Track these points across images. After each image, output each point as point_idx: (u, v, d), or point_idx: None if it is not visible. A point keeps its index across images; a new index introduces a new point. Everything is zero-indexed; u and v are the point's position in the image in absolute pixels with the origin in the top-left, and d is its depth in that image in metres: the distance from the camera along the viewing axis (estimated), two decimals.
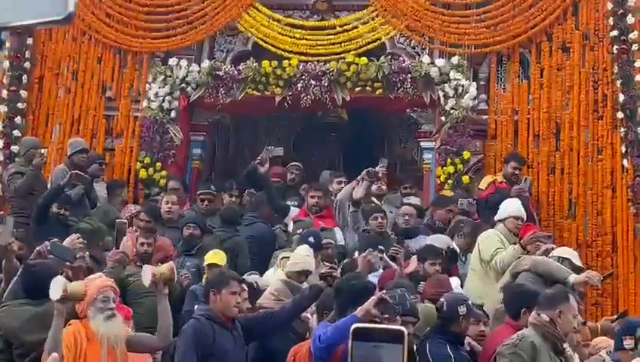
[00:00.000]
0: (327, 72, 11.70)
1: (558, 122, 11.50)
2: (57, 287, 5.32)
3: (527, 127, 11.61)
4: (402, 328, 3.15)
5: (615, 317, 8.77)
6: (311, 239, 8.39)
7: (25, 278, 6.28)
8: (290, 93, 11.75)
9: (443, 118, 11.50)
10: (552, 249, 8.30)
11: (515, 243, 8.45)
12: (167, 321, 5.89)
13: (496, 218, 8.94)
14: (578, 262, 7.93)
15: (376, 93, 11.70)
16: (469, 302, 6.60)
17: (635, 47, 11.20)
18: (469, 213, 10.19)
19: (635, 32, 11.24)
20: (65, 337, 5.38)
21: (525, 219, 9.01)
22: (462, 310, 6.33)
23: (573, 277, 7.53)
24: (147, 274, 5.88)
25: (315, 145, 14.91)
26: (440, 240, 8.97)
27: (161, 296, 5.88)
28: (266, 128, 14.85)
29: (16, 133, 12.04)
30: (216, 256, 8.19)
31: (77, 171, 9.81)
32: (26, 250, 8.06)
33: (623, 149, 11.03)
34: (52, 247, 7.01)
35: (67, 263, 6.91)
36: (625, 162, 11.01)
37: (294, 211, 10.32)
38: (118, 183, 11.23)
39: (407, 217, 9.85)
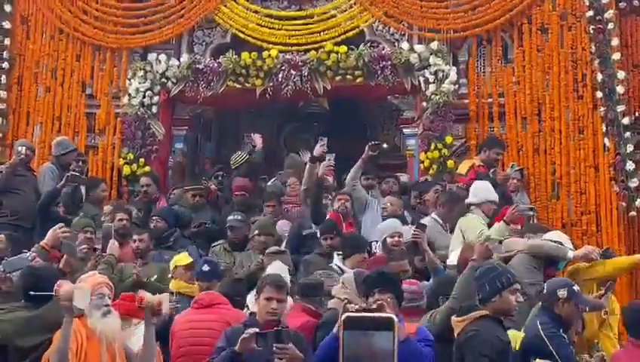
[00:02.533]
0: (307, 61, 11.71)
1: (540, 103, 11.53)
2: (85, 296, 5.27)
3: (513, 109, 11.65)
4: (392, 315, 3.18)
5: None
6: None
7: (26, 281, 6.26)
8: (270, 84, 11.75)
9: (424, 104, 11.50)
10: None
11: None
12: (152, 351, 5.73)
13: (470, 201, 9.00)
14: (569, 245, 7.96)
15: (357, 81, 11.70)
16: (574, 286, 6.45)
17: (610, 25, 11.26)
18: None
19: (610, 11, 11.32)
20: None
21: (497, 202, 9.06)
22: (561, 293, 6.24)
23: (572, 253, 7.71)
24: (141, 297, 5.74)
25: (297, 135, 14.99)
26: (390, 226, 8.95)
27: (148, 324, 5.70)
28: (248, 120, 14.87)
29: None
30: (186, 257, 8.14)
31: (73, 173, 9.97)
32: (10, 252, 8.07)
33: (604, 128, 11.11)
34: (5, 266, 7.00)
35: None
36: (606, 141, 11.08)
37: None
38: (95, 182, 10.98)
39: (389, 206, 9.67)
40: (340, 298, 6.32)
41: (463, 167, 10.59)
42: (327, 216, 9.45)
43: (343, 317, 3.11)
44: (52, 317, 5.54)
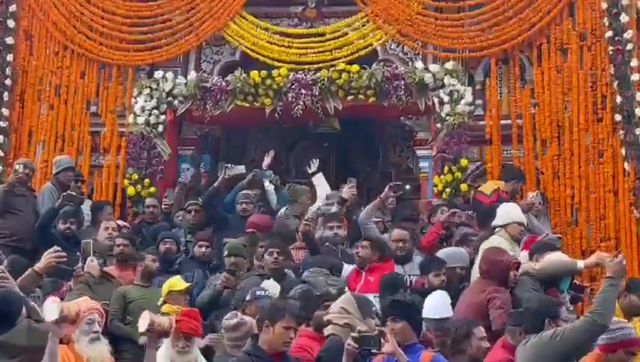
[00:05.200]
0: (318, 80, 11.68)
1: (559, 125, 11.50)
2: (53, 309, 5.37)
3: (531, 131, 11.63)
4: None
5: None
6: None
7: None
8: (280, 104, 11.72)
9: (439, 125, 11.46)
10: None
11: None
12: None
13: (495, 223, 8.78)
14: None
15: (369, 101, 11.66)
16: None
17: (630, 46, 11.23)
18: (468, 226, 9.79)
19: (630, 32, 11.28)
20: None
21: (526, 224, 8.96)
22: None
23: (582, 262, 7.67)
24: (145, 320, 5.77)
25: (307, 156, 14.53)
26: (457, 255, 8.78)
27: (150, 348, 5.80)
28: (257, 140, 14.94)
29: None
30: (180, 282, 7.89)
31: (69, 192, 9.86)
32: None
33: (624, 152, 11.05)
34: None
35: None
36: (626, 165, 11.03)
37: (347, 269, 8.91)
38: (99, 205, 11.02)
39: (400, 244, 9.10)
40: (339, 324, 6.25)
41: (488, 188, 10.47)
42: (349, 271, 8.90)
43: None
44: (17, 342, 5.54)
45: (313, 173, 11.63)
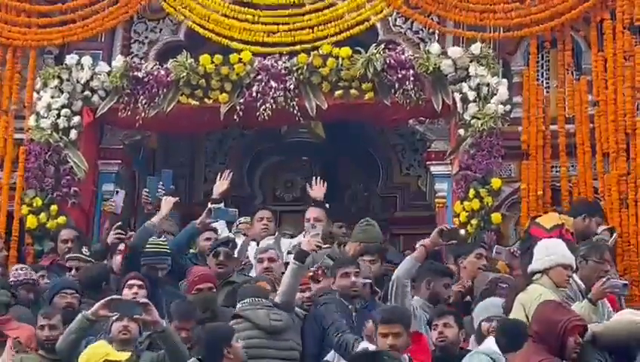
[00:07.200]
0: (294, 69, 11.52)
1: (628, 133, 11.20)
2: None
3: (589, 141, 11.36)
4: None
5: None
6: None
7: None
8: (241, 101, 11.55)
9: (461, 132, 11.24)
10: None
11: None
12: None
13: (533, 268, 8.46)
14: None
15: (366, 97, 11.49)
16: None
17: None
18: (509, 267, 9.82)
19: None
20: None
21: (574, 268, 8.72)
22: None
23: None
24: None
25: (279, 174, 15.04)
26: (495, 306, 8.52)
27: None
28: (209, 152, 14.95)
29: None
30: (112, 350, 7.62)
31: None
32: None
33: None
34: None
35: None
36: None
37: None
38: None
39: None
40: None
41: (548, 220, 10.11)
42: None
43: None
44: None
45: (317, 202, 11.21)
